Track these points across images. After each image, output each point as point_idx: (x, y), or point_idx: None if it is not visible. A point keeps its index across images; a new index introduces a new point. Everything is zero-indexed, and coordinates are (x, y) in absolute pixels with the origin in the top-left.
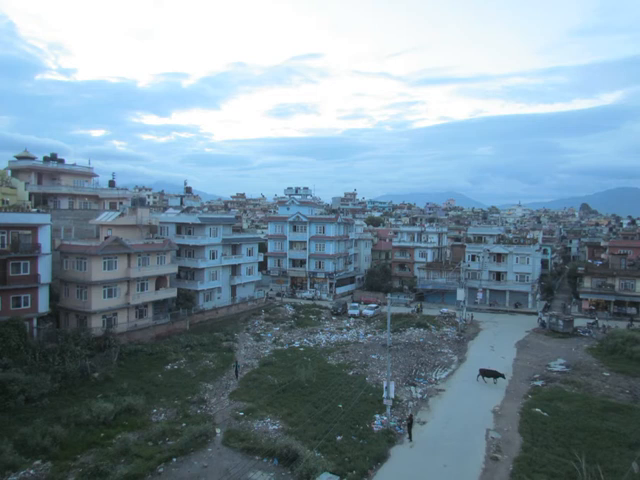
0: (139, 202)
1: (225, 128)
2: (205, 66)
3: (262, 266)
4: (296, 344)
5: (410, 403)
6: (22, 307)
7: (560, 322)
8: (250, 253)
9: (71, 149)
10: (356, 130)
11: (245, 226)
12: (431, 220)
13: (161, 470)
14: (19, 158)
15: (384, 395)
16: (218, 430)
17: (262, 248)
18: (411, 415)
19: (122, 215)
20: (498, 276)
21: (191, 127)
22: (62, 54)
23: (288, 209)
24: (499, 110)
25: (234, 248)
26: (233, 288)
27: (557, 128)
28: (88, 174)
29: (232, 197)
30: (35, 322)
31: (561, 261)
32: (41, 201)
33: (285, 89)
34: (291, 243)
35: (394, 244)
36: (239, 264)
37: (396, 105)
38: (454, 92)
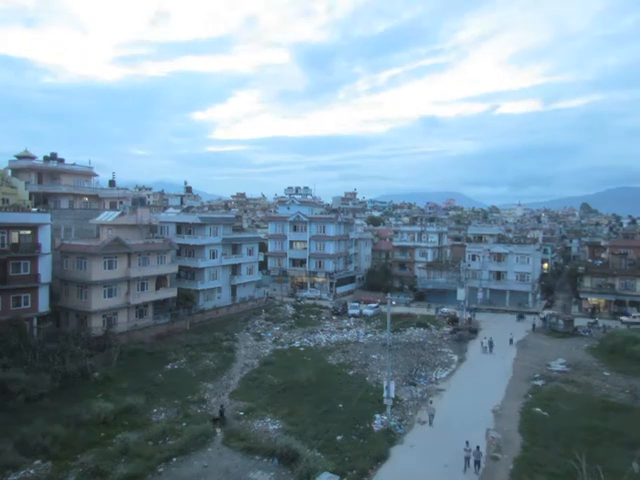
0: (139, 202)
1: (230, 127)
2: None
3: (262, 266)
4: (296, 344)
5: (410, 403)
6: (22, 307)
7: (560, 322)
8: (250, 253)
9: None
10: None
11: (245, 226)
12: (431, 220)
13: (161, 470)
14: (19, 157)
15: (384, 395)
16: (218, 430)
17: (262, 248)
18: None
19: (122, 215)
20: (498, 276)
21: (194, 128)
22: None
23: (288, 209)
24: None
25: (234, 248)
26: (233, 288)
27: None
28: (88, 174)
29: (232, 197)
30: (35, 322)
31: (561, 261)
32: (41, 201)
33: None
34: (291, 243)
35: (394, 244)
36: (239, 264)
37: None
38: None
